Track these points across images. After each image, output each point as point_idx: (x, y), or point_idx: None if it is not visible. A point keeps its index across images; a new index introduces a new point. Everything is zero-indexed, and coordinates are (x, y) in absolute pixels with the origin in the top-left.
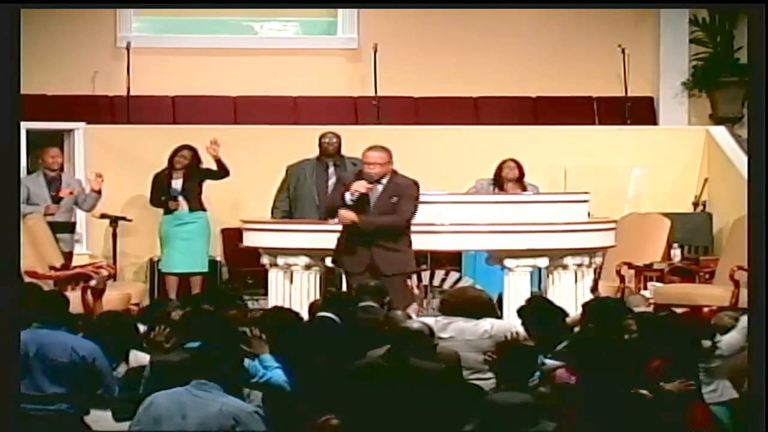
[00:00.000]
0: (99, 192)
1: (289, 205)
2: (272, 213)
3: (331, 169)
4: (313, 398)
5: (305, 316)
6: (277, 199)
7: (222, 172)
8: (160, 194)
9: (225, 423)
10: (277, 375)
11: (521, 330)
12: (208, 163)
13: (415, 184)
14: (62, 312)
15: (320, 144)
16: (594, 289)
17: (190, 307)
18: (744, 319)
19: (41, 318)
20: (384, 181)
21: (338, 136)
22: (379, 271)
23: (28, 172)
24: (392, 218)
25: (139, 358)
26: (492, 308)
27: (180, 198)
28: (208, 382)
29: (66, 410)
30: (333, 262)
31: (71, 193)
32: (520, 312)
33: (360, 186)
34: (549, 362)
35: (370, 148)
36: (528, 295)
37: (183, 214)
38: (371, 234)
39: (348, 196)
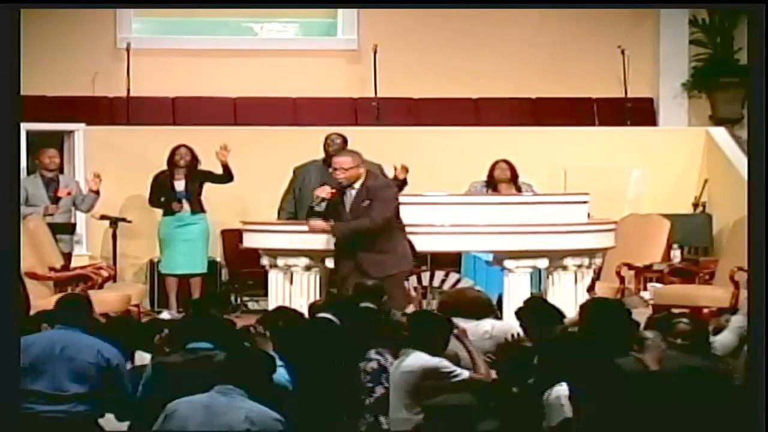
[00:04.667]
0: (97, 192)
1: (295, 206)
2: (279, 214)
3: None
4: (313, 397)
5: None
6: (283, 201)
7: (227, 176)
8: (160, 195)
9: (251, 429)
10: (278, 374)
11: (522, 331)
12: (207, 163)
13: (389, 185)
14: (86, 314)
15: (325, 145)
16: (590, 289)
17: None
18: (735, 319)
19: (65, 319)
20: (357, 185)
21: (343, 137)
22: (366, 274)
23: (28, 173)
24: (363, 222)
25: (144, 357)
26: (491, 309)
27: (183, 200)
28: (233, 387)
29: (82, 412)
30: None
31: (69, 193)
32: (518, 313)
33: (322, 191)
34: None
35: (337, 154)
36: (527, 297)
37: (184, 216)
38: (355, 237)
39: (315, 202)
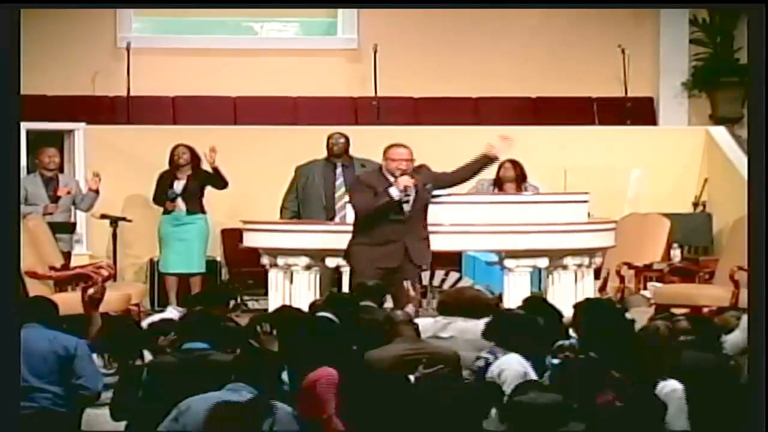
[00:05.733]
0: (97, 191)
1: (298, 205)
2: (281, 213)
3: (339, 170)
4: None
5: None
6: (285, 200)
7: (221, 181)
8: (162, 194)
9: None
10: None
11: None
12: (206, 164)
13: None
14: (48, 312)
15: (328, 144)
16: (602, 288)
17: (195, 309)
18: (746, 318)
19: (30, 317)
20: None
21: (346, 137)
22: (413, 263)
23: (28, 173)
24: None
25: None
26: (491, 308)
27: (178, 200)
28: (245, 385)
29: (48, 407)
30: (346, 257)
31: (69, 192)
32: None
33: (408, 181)
34: (556, 362)
35: (396, 146)
36: (526, 296)
37: (180, 215)
38: (406, 225)
39: (397, 194)
